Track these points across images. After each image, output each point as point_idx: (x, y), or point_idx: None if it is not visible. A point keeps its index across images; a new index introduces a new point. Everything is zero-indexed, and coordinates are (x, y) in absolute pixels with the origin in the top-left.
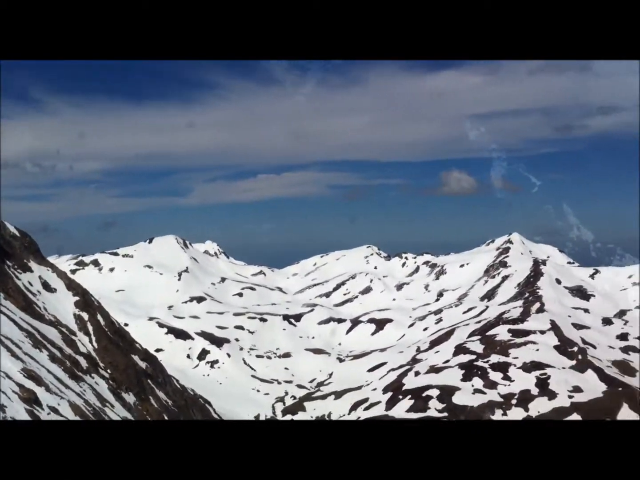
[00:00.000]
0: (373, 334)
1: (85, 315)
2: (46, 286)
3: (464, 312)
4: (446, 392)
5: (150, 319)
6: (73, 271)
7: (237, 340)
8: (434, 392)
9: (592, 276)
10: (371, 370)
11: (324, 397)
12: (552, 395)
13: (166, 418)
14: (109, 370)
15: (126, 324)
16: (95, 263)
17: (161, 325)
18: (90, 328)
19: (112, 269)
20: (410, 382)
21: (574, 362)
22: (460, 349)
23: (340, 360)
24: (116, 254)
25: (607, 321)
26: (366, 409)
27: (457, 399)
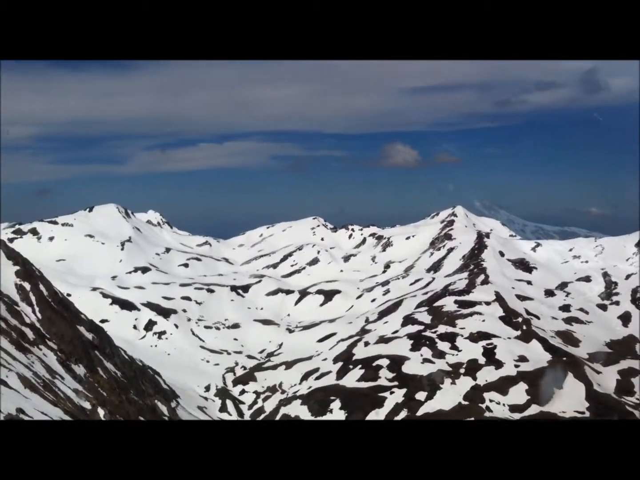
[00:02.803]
0: (322, 305)
1: (27, 285)
2: None
3: (411, 284)
4: (396, 362)
5: (94, 289)
6: (11, 240)
7: (184, 311)
8: (384, 362)
9: (534, 249)
10: (321, 340)
11: (274, 367)
12: (498, 364)
13: (116, 389)
14: (54, 342)
15: (69, 295)
16: (34, 232)
17: (105, 295)
18: (33, 298)
19: (51, 238)
20: (360, 352)
21: (518, 333)
22: (408, 320)
23: (290, 331)
24: (55, 223)
25: (549, 293)
26: (317, 378)
27: (407, 368)
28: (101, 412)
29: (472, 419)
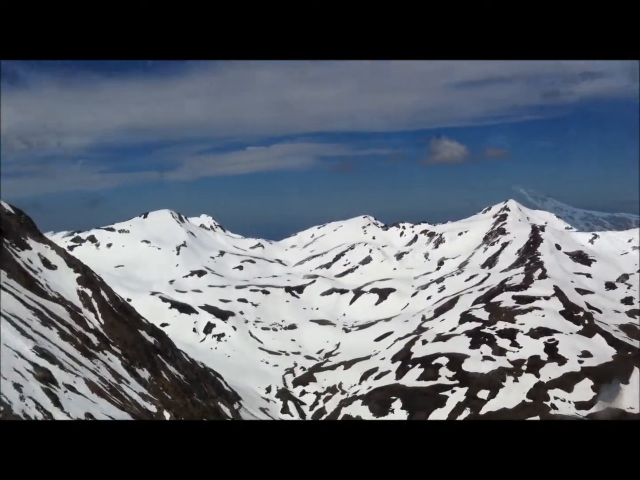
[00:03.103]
0: (377, 303)
1: (88, 292)
2: (46, 263)
3: (466, 280)
4: (455, 360)
5: (153, 293)
6: (70, 248)
7: (241, 313)
8: (443, 360)
9: (591, 241)
10: (378, 339)
11: (333, 367)
12: (562, 360)
13: (181, 392)
14: (118, 346)
15: (129, 300)
16: (92, 239)
17: (164, 299)
18: (95, 304)
19: (109, 245)
20: (418, 351)
21: (580, 327)
22: (465, 317)
23: (347, 331)
24: (112, 230)
25: (610, 285)
26: (376, 378)
27: (467, 366)
28: (167, 415)
29: (537, 417)
